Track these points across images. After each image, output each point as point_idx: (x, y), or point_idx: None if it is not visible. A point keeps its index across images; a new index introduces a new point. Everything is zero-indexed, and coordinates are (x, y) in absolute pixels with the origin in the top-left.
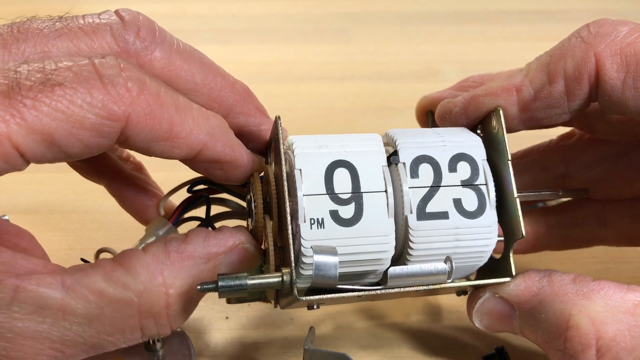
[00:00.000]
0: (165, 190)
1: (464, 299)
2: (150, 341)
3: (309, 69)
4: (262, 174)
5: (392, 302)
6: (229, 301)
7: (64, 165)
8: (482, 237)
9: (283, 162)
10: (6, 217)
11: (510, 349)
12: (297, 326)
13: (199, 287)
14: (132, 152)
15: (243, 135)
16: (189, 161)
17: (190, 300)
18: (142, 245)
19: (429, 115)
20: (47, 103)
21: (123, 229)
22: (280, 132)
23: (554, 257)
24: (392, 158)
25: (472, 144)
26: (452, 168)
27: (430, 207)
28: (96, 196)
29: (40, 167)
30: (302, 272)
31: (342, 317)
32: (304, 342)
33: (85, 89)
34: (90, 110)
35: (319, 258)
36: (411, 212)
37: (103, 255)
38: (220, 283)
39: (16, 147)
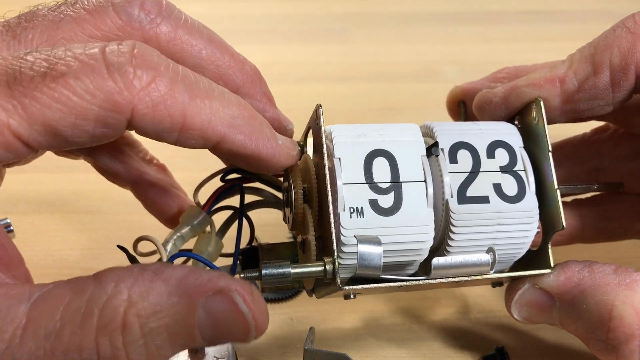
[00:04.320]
0: (191, 188)
1: (462, 297)
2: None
3: (309, 70)
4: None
5: (390, 303)
6: (263, 290)
7: (64, 165)
8: (524, 221)
9: (325, 151)
10: (8, 221)
11: (510, 349)
12: (297, 326)
13: (242, 275)
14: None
15: None
16: (211, 150)
17: (154, 339)
18: (177, 235)
19: (461, 106)
20: (49, 94)
21: (123, 229)
22: (322, 120)
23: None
24: (433, 149)
25: (509, 132)
26: (490, 154)
27: (471, 192)
28: (96, 197)
29: (40, 167)
30: (341, 261)
31: (341, 317)
32: (304, 342)
33: (89, 78)
34: (93, 102)
35: (364, 248)
36: (452, 196)
37: (141, 245)
38: (264, 271)
39: (17, 136)
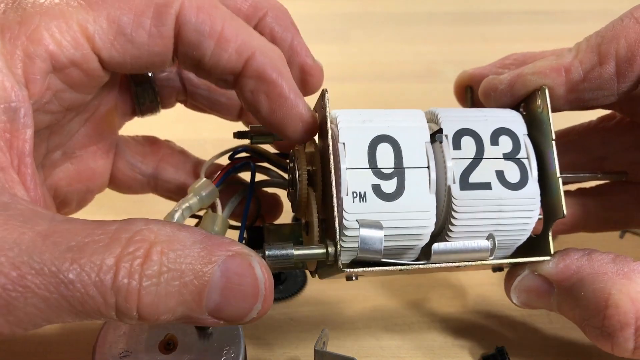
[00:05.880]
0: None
1: (462, 297)
2: None
3: None
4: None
5: (390, 302)
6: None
7: None
8: (525, 208)
9: (329, 135)
10: None
11: (510, 349)
12: (296, 326)
13: None
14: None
15: (273, 43)
16: (238, 79)
17: (167, 283)
18: (185, 205)
19: (468, 91)
20: None
21: None
22: (328, 105)
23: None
24: (437, 136)
25: (513, 119)
26: (494, 141)
27: (473, 178)
28: (96, 197)
29: None
30: (343, 245)
31: (341, 317)
32: (301, 343)
33: None
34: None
35: (365, 232)
36: (454, 182)
37: None
38: (267, 252)
39: (84, 31)
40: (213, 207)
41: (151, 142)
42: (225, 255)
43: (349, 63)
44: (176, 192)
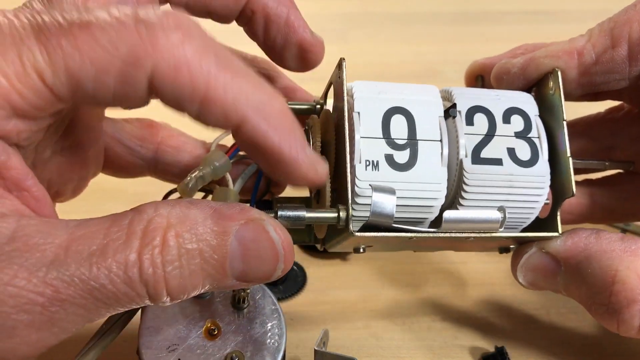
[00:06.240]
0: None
1: (463, 296)
2: (238, 299)
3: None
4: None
5: (391, 303)
6: None
7: None
8: (535, 186)
9: (345, 104)
10: None
11: (510, 348)
12: (296, 326)
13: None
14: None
15: (268, 21)
16: (233, 135)
17: (188, 262)
18: (199, 174)
19: (479, 80)
20: (72, 43)
21: None
22: (345, 74)
23: None
24: (451, 111)
25: (525, 100)
26: (506, 120)
27: (485, 154)
28: (96, 197)
29: None
30: (354, 213)
31: (341, 317)
32: (301, 343)
33: (114, 31)
34: (115, 54)
35: (378, 196)
36: (466, 156)
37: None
38: (279, 212)
39: (43, 80)
40: (221, 182)
41: (148, 125)
42: (238, 225)
43: (349, 63)
44: (178, 175)
